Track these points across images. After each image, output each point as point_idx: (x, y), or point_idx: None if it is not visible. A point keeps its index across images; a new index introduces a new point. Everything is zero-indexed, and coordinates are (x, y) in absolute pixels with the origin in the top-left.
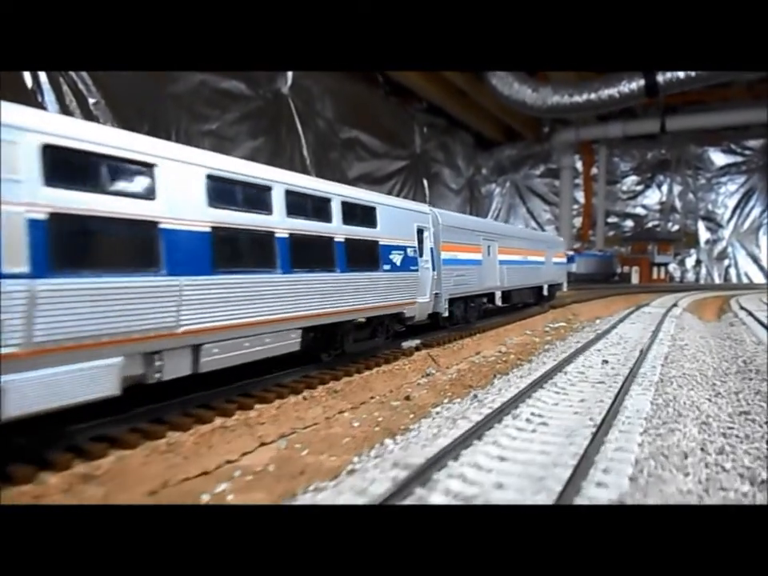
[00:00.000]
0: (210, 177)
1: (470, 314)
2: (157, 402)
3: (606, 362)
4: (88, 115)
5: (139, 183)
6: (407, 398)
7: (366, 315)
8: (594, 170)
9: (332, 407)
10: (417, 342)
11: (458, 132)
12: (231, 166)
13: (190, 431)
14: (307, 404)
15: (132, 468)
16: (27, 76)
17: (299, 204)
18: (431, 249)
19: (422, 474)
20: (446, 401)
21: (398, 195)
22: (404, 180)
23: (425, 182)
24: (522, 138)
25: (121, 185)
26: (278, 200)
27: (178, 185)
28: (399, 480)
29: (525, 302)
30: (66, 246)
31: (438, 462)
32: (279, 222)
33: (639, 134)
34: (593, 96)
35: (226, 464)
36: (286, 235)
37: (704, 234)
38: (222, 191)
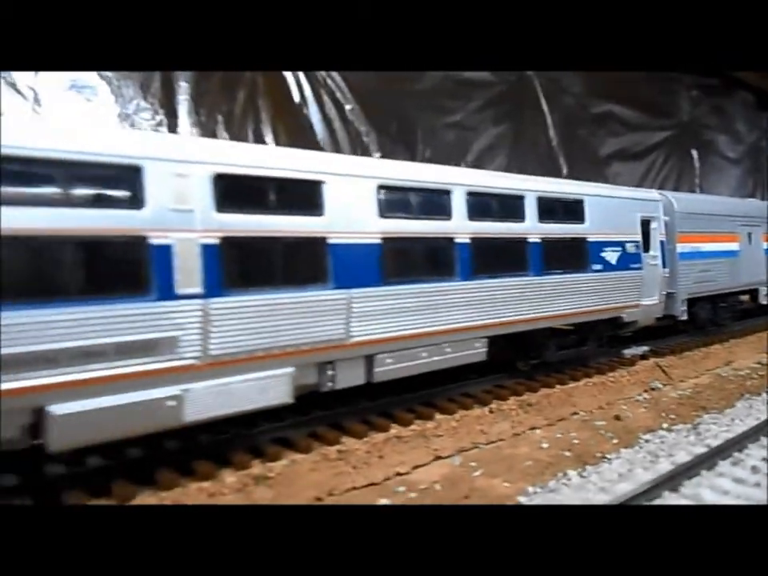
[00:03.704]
0: (381, 187)
1: (720, 315)
2: (343, 406)
3: None
4: (344, 122)
5: (305, 201)
6: (617, 417)
7: (569, 321)
8: None
9: (522, 422)
10: (644, 349)
11: (737, 91)
12: (402, 174)
13: (365, 439)
14: (493, 417)
15: (301, 473)
16: (294, 90)
17: (483, 205)
18: (661, 242)
19: None
20: (665, 425)
21: (659, 171)
22: (667, 153)
23: (693, 153)
24: None
25: (286, 204)
26: (458, 203)
27: (346, 199)
28: None
29: None
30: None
31: None
32: (459, 227)
33: None
34: None
35: (396, 476)
36: (467, 240)
37: None
38: (392, 201)
